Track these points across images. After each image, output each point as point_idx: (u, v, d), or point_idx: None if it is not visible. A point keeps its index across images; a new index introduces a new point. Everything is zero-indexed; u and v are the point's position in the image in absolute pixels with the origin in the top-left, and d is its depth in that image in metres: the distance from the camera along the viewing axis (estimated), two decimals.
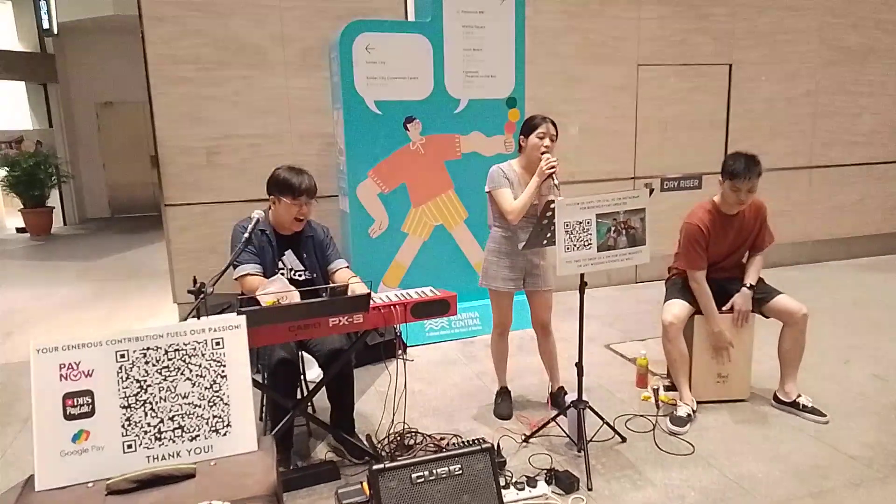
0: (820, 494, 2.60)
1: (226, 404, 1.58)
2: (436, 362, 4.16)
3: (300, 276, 2.97)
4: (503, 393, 3.45)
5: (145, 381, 1.56)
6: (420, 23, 4.47)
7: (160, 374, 1.57)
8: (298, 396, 2.95)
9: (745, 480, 2.72)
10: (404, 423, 3.11)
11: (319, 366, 2.96)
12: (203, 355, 1.58)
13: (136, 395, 1.56)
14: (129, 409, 1.55)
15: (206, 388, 1.59)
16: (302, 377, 3.21)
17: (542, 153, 2.98)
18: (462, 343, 4.50)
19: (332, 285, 2.57)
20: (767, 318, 3.33)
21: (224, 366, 1.60)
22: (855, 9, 6.16)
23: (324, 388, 2.97)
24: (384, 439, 3.05)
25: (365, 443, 3.00)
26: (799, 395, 3.29)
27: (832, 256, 6.60)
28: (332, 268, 3.04)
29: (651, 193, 2.78)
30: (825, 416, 3.19)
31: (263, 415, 3.21)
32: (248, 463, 1.51)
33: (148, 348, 1.57)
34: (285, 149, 4.83)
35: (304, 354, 3.11)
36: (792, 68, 6.08)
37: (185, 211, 4.73)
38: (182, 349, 1.58)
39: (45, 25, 9.71)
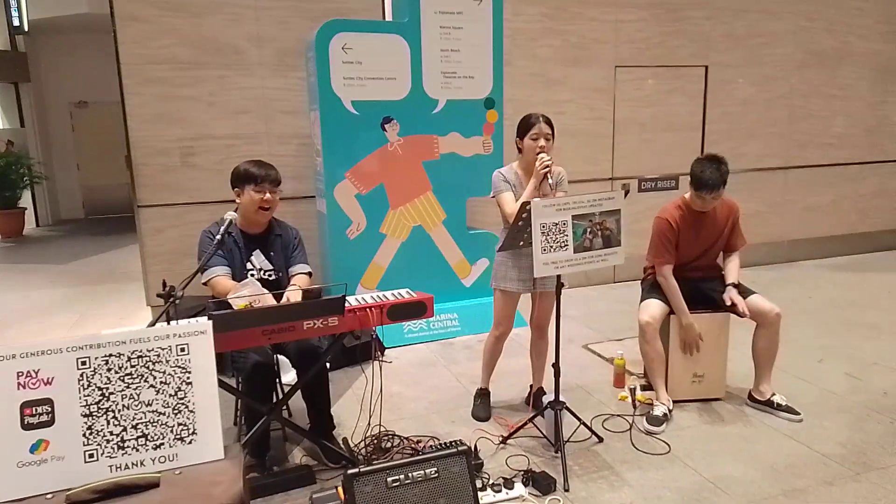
0: (794, 493, 2.63)
1: (191, 412, 1.54)
2: (414, 364, 4.14)
3: (270, 275, 2.93)
4: (482, 395, 3.44)
5: (107, 388, 1.52)
6: (397, 23, 4.45)
7: (123, 381, 1.53)
8: (274, 400, 2.91)
9: (721, 480, 2.73)
10: (379, 425, 3.08)
11: (293, 366, 2.92)
12: (167, 362, 1.54)
13: (97, 403, 1.51)
14: (90, 418, 1.50)
15: (170, 395, 1.55)
16: (277, 381, 3.17)
17: (538, 153, 2.98)
18: (441, 344, 4.48)
19: (306, 287, 2.54)
20: (743, 317, 3.36)
21: (189, 372, 1.56)
22: (829, 13, 6.25)
23: (300, 396, 2.94)
24: (361, 442, 3.02)
25: (342, 446, 2.97)
26: (773, 394, 3.32)
27: (807, 256, 6.69)
28: (292, 270, 3.01)
29: (626, 195, 2.78)
30: (799, 414, 3.22)
31: (238, 419, 3.16)
32: (215, 472, 1.48)
33: (110, 355, 1.52)
34: (262, 150, 4.77)
35: (280, 357, 3.07)
36: (767, 71, 6.15)
37: (158, 212, 4.66)
38: (145, 356, 1.54)
39: (16, 23, 9.52)
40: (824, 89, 6.40)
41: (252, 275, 2.87)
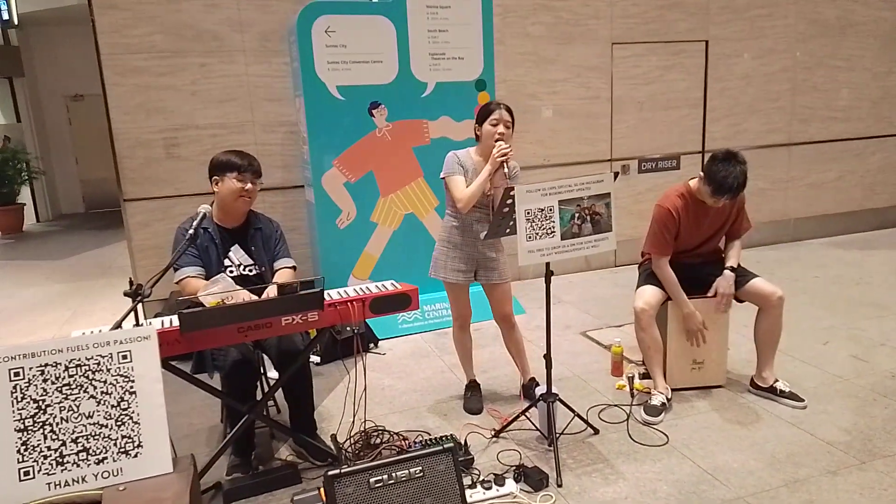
0: (795, 484, 2.52)
1: (136, 423, 1.45)
2: (408, 355, 4.05)
3: (251, 270, 2.83)
4: (472, 387, 3.34)
5: (44, 400, 1.43)
6: (382, 3, 4.30)
7: (60, 392, 1.44)
8: (259, 396, 2.82)
9: (719, 472, 2.63)
10: (366, 421, 3.00)
11: (274, 366, 2.83)
12: (108, 371, 1.45)
13: (33, 416, 1.42)
14: (25, 433, 1.41)
15: (112, 406, 1.45)
16: (263, 377, 3.09)
17: (496, 140, 2.86)
18: (435, 334, 4.39)
19: (281, 282, 2.44)
20: (742, 301, 3.24)
21: (132, 381, 1.47)
22: None
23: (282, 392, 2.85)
24: (349, 439, 2.93)
25: (329, 443, 2.89)
26: (776, 381, 3.21)
27: (811, 234, 6.53)
28: (276, 265, 2.91)
29: (616, 178, 2.66)
30: (803, 401, 3.11)
31: (223, 417, 3.08)
32: (161, 486, 1.39)
33: (46, 364, 1.43)
34: (248, 139, 4.66)
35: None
36: (769, 43, 5.96)
37: (144, 206, 4.56)
38: (84, 364, 1.44)
39: (5, 17, 9.38)
40: (828, 61, 6.20)
41: (231, 271, 2.77)
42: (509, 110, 2.95)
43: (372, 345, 4.19)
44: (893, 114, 6.58)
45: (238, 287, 2.46)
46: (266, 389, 3.06)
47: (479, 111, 3.01)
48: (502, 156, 2.82)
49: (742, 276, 3.22)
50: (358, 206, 4.35)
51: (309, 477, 2.72)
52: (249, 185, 2.74)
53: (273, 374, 3.31)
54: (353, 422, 2.87)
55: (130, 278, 2.16)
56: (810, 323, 4.20)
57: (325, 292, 2.58)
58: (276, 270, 2.88)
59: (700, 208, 3.15)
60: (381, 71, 4.23)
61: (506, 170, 2.88)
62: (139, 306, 2.22)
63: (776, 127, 6.16)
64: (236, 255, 2.81)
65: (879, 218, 6.78)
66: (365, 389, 2.94)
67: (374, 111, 4.27)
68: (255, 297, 2.48)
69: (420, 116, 4.39)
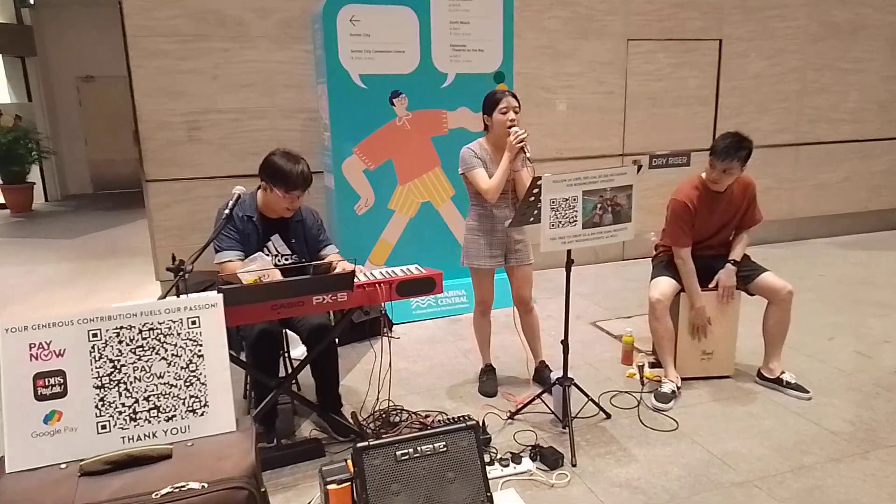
0: (801, 469, 2.63)
1: (203, 384, 1.54)
2: (422, 340, 4.15)
3: (287, 260, 2.90)
4: (488, 371, 3.45)
5: (119, 360, 1.52)
6: None
7: (134, 353, 1.53)
8: (282, 374, 2.92)
9: (728, 456, 2.73)
10: (389, 400, 3.09)
11: (303, 342, 2.92)
12: (179, 335, 1.54)
13: (109, 374, 1.51)
14: (102, 390, 1.51)
15: (182, 367, 1.55)
16: (286, 355, 3.18)
17: (510, 127, 2.94)
18: (448, 321, 4.48)
19: (314, 262, 2.52)
20: (752, 295, 3.34)
21: (200, 345, 1.56)
22: None
23: (309, 366, 2.94)
24: (369, 417, 3.04)
25: (350, 420, 2.99)
26: (783, 372, 3.31)
27: (817, 234, 6.63)
28: (323, 254, 2.99)
29: (639, 170, 2.75)
30: (808, 392, 3.22)
31: (248, 393, 3.18)
32: (227, 444, 1.48)
33: (121, 327, 1.52)
34: (267, 124, 4.74)
35: (289, 332, 3.07)
36: (780, 44, 6.04)
37: (166, 187, 4.64)
38: (157, 328, 1.53)
39: None
40: (838, 63, 6.27)
41: (265, 257, 2.85)
42: (515, 96, 3.03)
43: (387, 329, 4.29)
44: None
45: (273, 266, 2.55)
46: (290, 369, 3.15)
47: (486, 101, 3.07)
48: (520, 141, 2.89)
49: (753, 270, 3.31)
50: (376, 193, 4.43)
51: (332, 451, 2.82)
52: (296, 202, 2.79)
53: (296, 353, 3.41)
54: (377, 399, 2.96)
55: (173, 254, 2.24)
56: (816, 319, 4.31)
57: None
58: (326, 257, 2.96)
59: (713, 197, 3.25)
60: (402, 60, 4.31)
61: (527, 154, 2.94)
62: (173, 282, 2.30)
63: (785, 127, 6.25)
64: (276, 244, 2.88)
65: (884, 219, 6.87)
66: (390, 368, 3.03)
67: (394, 100, 4.34)
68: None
69: (439, 106, 4.46)
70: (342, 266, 2.74)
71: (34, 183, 10.16)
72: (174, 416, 1.52)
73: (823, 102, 6.33)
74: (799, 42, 6.09)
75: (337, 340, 4.01)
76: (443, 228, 4.64)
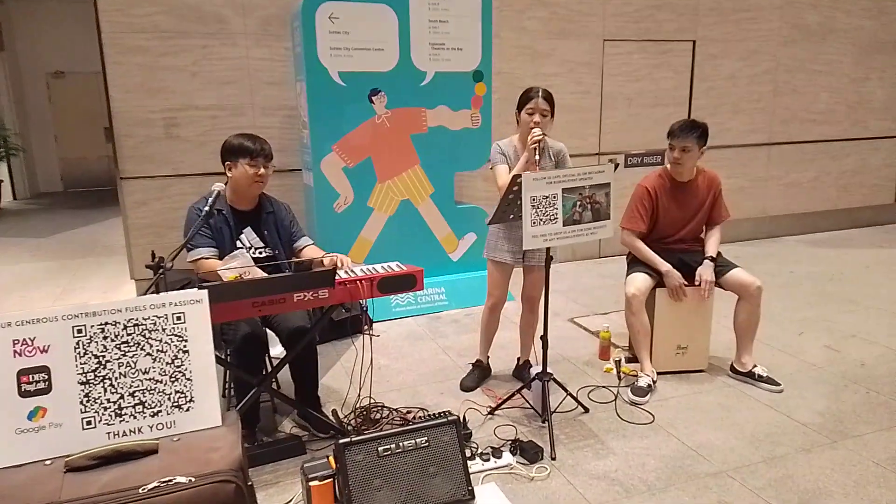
0: (773, 460, 2.71)
1: (188, 380, 1.55)
2: (402, 337, 4.17)
3: (261, 252, 2.91)
4: (477, 366, 3.49)
5: (104, 356, 1.52)
6: None
7: (119, 349, 1.53)
8: (263, 372, 2.92)
9: (703, 448, 2.80)
10: (370, 397, 3.11)
11: (282, 344, 2.93)
12: (164, 330, 1.54)
13: (94, 370, 1.51)
14: (87, 385, 1.50)
15: (167, 363, 1.55)
16: (267, 353, 3.18)
17: (532, 128, 2.98)
18: (428, 318, 4.51)
19: (295, 260, 2.53)
20: (724, 290, 3.42)
21: (186, 341, 1.56)
22: None
23: (288, 368, 2.95)
24: (350, 414, 3.05)
25: (331, 418, 3.00)
26: (754, 366, 3.40)
27: (788, 232, 6.79)
28: (298, 245, 3.00)
29: (616, 168, 2.80)
30: (779, 385, 3.31)
31: (227, 391, 3.17)
32: (213, 438, 1.49)
33: (106, 323, 1.52)
34: (246, 121, 4.71)
35: (269, 331, 3.07)
36: (753, 46, 6.17)
37: (141, 185, 4.59)
38: (141, 324, 1.53)
39: None
40: (809, 65, 6.43)
41: (241, 250, 2.85)
42: (548, 97, 3.05)
43: (367, 326, 4.30)
44: (868, 118, 6.85)
45: (254, 263, 2.55)
46: (270, 367, 3.15)
47: (520, 97, 3.10)
48: (534, 142, 2.92)
49: (723, 266, 3.40)
50: (355, 190, 4.44)
51: (313, 448, 2.83)
52: (262, 170, 2.80)
53: (275, 352, 3.41)
54: (359, 395, 2.98)
55: (153, 251, 2.23)
56: (786, 314, 4.42)
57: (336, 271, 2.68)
58: (301, 249, 2.98)
59: (676, 187, 3.35)
60: (382, 58, 4.32)
61: (537, 156, 2.95)
62: (152, 280, 2.29)
63: (758, 127, 6.39)
64: (248, 237, 2.89)
65: (852, 217, 7.07)
66: (371, 365, 3.05)
67: (374, 98, 4.35)
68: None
69: (419, 104, 4.49)
70: (328, 259, 2.76)
71: (2, 180, 9.95)
72: (160, 411, 1.53)
73: (795, 103, 6.48)
74: (771, 44, 6.23)
75: (317, 339, 4.04)
76: (422, 226, 4.67)
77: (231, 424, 1.55)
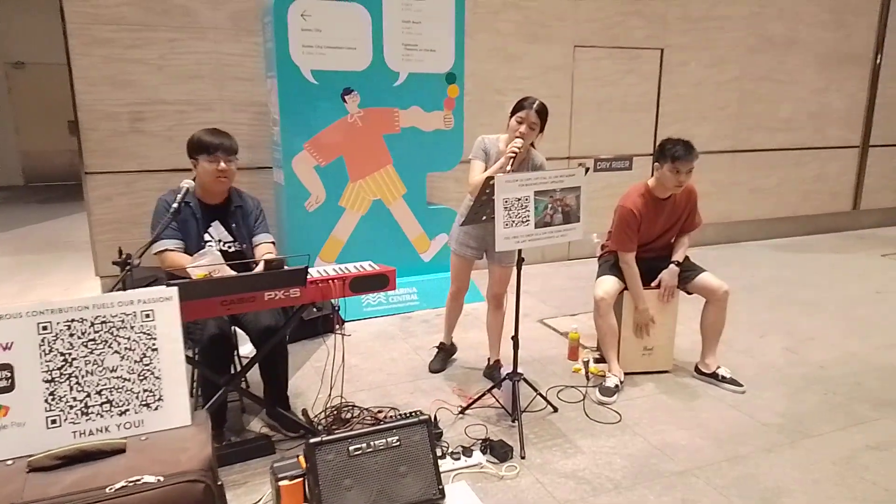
0: (736, 459, 2.77)
1: (157, 378, 1.52)
2: (373, 337, 4.15)
3: (230, 247, 2.88)
4: (442, 349, 3.63)
5: (70, 354, 1.48)
6: None
7: (86, 346, 1.49)
8: (232, 371, 2.88)
9: (668, 447, 2.86)
10: (340, 396, 3.10)
11: (252, 342, 2.90)
12: (132, 328, 1.51)
13: (60, 368, 1.47)
14: (52, 384, 1.47)
15: (135, 361, 1.52)
16: (235, 352, 3.14)
17: (516, 136, 3.00)
18: (400, 318, 4.50)
19: (267, 258, 2.50)
20: (690, 294, 3.49)
21: (154, 339, 1.53)
22: (779, 0, 6.43)
23: (257, 365, 2.91)
24: (320, 413, 3.03)
25: (300, 417, 2.97)
26: (718, 367, 3.48)
27: (751, 237, 6.96)
28: (255, 240, 2.98)
29: (587, 173, 2.84)
30: (742, 386, 3.39)
31: (195, 390, 3.12)
32: (182, 437, 1.47)
33: (72, 320, 1.48)
34: (215, 117, 4.65)
35: (238, 330, 3.03)
36: (720, 54, 6.31)
37: (107, 179, 4.49)
38: (109, 321, 1.50)
39: None
40: (773, 74, 6.61)
41: (210, 246, 2.82)
42: (541, 111, 3.04)
43: (338, 326, 4.27)
44: (828, 127, 7.07)
45: (223, 261, 2.52)
46: (239, 366, 3.11)
47: (516, 103, 3.09)
48: (511, 152, 2.94)
49: (691, 270, 3.47)
50: (327, 189, 4.41)
51: (283, 448, 2.80)
52: (223, 165, 2.78)
53: (245, 351, 3.37)
54: (329, 395, 2.96)
55: (120, 248, 2.19)
56: (749, 317, 4.53)
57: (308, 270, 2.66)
58: (257, 244, 2.94)
59: (658, 204, 3.39)
60: (354, 58, 4.30)
61: (529, 167, 3.02)
62: (119, 277, 2.24)
63: (724, 134, 6.54)
64: (216, 231, 2.86)
65: (813, 223, 7.29)
66: (343, 364, 3.03)
67: (346, 97, 4.33)
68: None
69: (391, 105, 4.48)
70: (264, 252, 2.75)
71: None
72: (127, 410, 1.50)
73: (760, 111, 6.65)
74: (738, 53, 6.38)
75: (287, 338, 4.00)
76: (394, 226, 4.66)
77: (200, 424, 1.53)
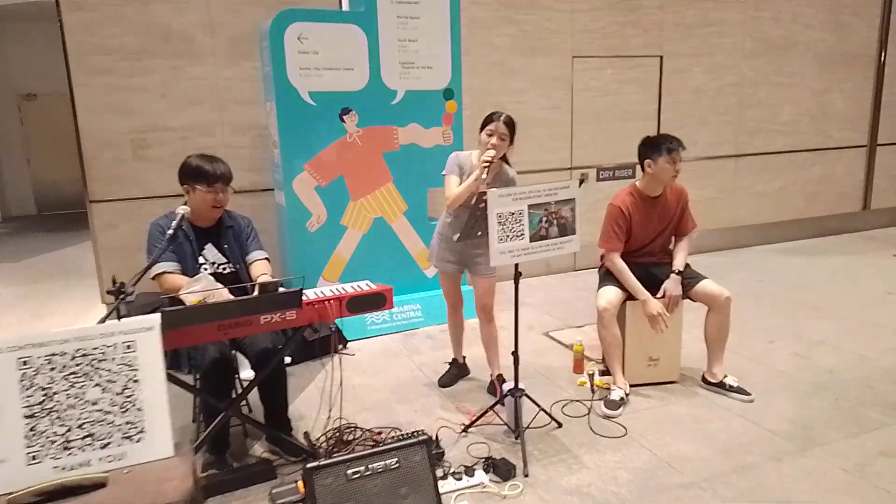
0: (744, 469, 2.72)
1: (139, 410, 1.52)
2: (377, 355, 4.14)
3: (225, 268, 2.89)
4: (452, 364, 3.66)
5: (51, 388, 1.48)
6: (353, 13, 4.41)
7: (67, 380, 1.50)
8: (233, 395, 2.88)
9: (675, 459, 2.81)
10: (340, 418, 3.08)
11: (251, 365, 2.89)
12: (113, 360, 1.51)
13: (41, 403, 1.48)
14: (33, 419, 1.47)
15: (117, 393, 1.52)
16: (236, 376, 3.14)
17: (488, 148, 3.05)
18: (404, 335, 4.49)
19: (261, 282, 2.50)
20: (694, 301, 3.45)
21: (136, 370, 1.53)
22: (776, 3, 6.41)
23: (258, 390, 2.91)
24: (322, 436, 3.02)
25: (302, 440, 2.96)
26: (725, 376, 3.43)
27: (756, 241, 6.89)
28: (249, 258, 2.98)
29: (581, 184, 2.83)
30: (750, 394, 3.34)
31: (197, 416, 3.12)
32: (165, 469, 1.46)
33: (53, 354, 1.48)
34: (216, 141, 4.69)
35: (239, 353, 3.03)
36: (718, 59, 6.29)
37: (111, 207, 4.54)
38: (90, 354, 1.50)
39: None
40: (772, 77, 6.57)
41: (205, 268, 2.83)
42: (509, 122, 3.11)
43: (341, 346, 4.27)
44: (831, 128, 7.01)
45: (219, 285, 2.52)
46: (240, 390, 3.11)
47: (484, 119, 3.16)
48: (485, 162, 3.01)
49: (692, 277, 3.44)
50: (328, 209, 4.42)
51: (284, 473, 2.79)
52: (220, 196, 2.79)
53: (245, 374, 3.37)
54: (328, 417, 2.95)
55: (114, 277, 2.20)
56: (756, 323, 4.47)
57: (303, 292, 2.67)
58: (251, 262, 2.95)
59: (648, 203, 3.39)
60: (352, 78, 4.33)
61: (484, 175, 3.02)
62: (113, 305, 2.26)
63: (724, 139, 6.50)
64: (210, 253, 2.86)
65: (819, 226, 7.20)
66: (341, 385, 3.02)
67: (345, 117, 4.36)
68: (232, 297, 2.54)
69: (390, 123, 4.50)
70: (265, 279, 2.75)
71: None
72: (109, 443, 1.49)
73: (760, 115, 6.61)
74: (736, 58, 6.36)
75: (290, 360, 4.01)
76: (396, 243, 4.66)
77: (184, 455, 1.52)
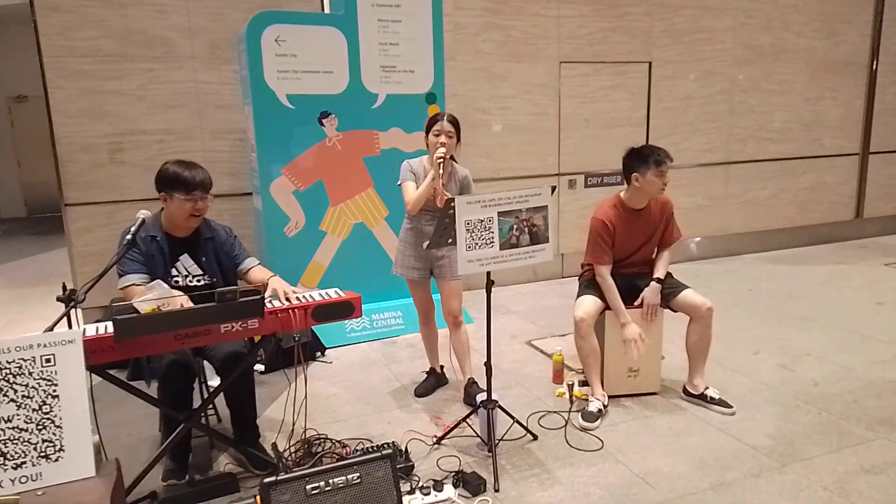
0: (721, 486, 2.64)
1: (58, 427, 1.44)
2: (355, 364, 4.06)
3: (199, 280, 2.79)
4: (429, 373, 3.61)
5: None
6: (333, 15, 4.35)
7: None
8: (194, 403, 2.79)
9: (650, 475, 2.73)
10: (308, 429, 3.00)
11: (216, 372, 2.81)
12: (30, 374, 1.43)
13: None
14: None
15: (33, 409, 1.44)
16: (203, 384, 3.06)
17: (437, 147, 3.10)
18: (384, 343, 4.41)
19: (220, 290, 2.41)
20: (675, 312, 3.38)
21: (56, 385, 1.46)
22: (766, 10, 6.36)
23: (224, 396, 2.83)
24: (290, 447, 2.93)
25: (269, 452, 2.88)
26: (707, 388, 3.34)
27: (747, 249, 6.82)
28: (243, 268, 2.89)
29: (553, 191, 2.75)
30: (732, 407, 3.25)
31: (161, 426, 3.04)
32: (82, 491, 1.38)
33: None
34: (195, 145, 4.62)
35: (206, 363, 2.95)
36: (708, 66, 6.23)
37: (86, 211, 4.47)
38: (5, 368, 1.43)
39: None
40: (763, 85, 6.52)
41: (177, 280, 2.74)
42: (453, 121, 3.18)
43: (319, 353, 4.19)
44: (823, 136, 6.95)
45: (176, 293, 2.44)
46: (204, 396, 3.03)
47: (427, 122, 3.23)
48: (438, 159, 3.05)
49: (673, 287, 3.36)
50: (307, 214, 4.35)
51: (248, 486, 2.70)
52: (199, 204, 2.69)
53: (213, 382, 3.28)
54: (293, 430, 2.86)
55: (64, 283, 2.13)
56: (743, 333, 4.39)
57: (268, 300, 2.59)
58: (247, 270, 2.88)
59: (632, 216, 3.30)
60: (331, 81, 4.27)
61: (455, 179, 3.09)
62: (74, 312, 2.18)
63: (715, 146, 6.43)
64: (185, 264, 2.77)
65: (810, 234, 7.13)
66: (305, 398, 2.94)
67: (324, 120, 4.29)
68: (190, 304, 2.46)
69: (371, 127, 4.43)
70: (271, 287, 2.68)
71: None
72: (24, 462, 1.41)
73: (751, 122, 6.55)
74: (726, 64, 6.30)
75: (264, 368, 3.93)
76: (377, 249, 4.59)
77: (106, 475, 1.44)
